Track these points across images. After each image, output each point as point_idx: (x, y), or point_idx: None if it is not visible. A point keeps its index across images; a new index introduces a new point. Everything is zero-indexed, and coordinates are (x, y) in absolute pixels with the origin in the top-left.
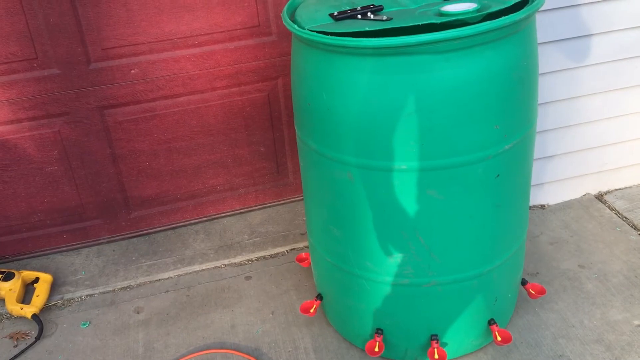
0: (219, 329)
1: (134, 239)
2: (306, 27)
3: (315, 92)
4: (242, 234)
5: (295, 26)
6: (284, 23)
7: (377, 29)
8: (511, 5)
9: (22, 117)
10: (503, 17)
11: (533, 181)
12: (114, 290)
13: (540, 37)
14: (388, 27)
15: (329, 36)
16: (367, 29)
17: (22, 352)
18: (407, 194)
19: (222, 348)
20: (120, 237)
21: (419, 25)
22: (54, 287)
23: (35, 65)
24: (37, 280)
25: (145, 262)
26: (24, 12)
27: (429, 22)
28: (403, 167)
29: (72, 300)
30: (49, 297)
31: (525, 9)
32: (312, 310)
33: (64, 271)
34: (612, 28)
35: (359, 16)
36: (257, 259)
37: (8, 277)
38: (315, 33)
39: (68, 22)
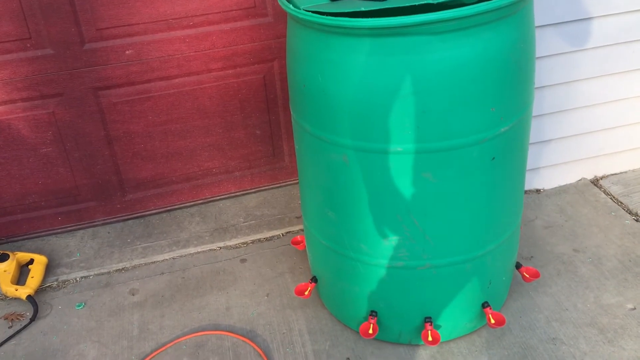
0: (214, 311)
1: (129, 221)
2: (301, 7)
3: (311, 73)
4: (238, 216)
5: (291, 6)
6: (279, 3)
7: (373, 9)
8: None
9: (16, 98)
10: None
11: (529, 165)
12: (109, 272)
13: (539, 20)
14: (384, 7)
15: (324, 16)
16: (363, 9)
17: (17, 333)
18: (402, 176)
19: (216, 330)
20: (115, 219)
21: (415, 5)
22: (48, 269)
23: (28, 45)
24: (31, 261)
25: (140, 244)
26: None
27: (425, 2)
28: (399, 149)
29: (67, 282)
30: (43, 279)
31: None
32: (306, 293)
33: (58, 253)
34: (610, 11)
35: None
36: (253, 241)
37: (2, 258)
38: (310, 13)
39: (62, 2)
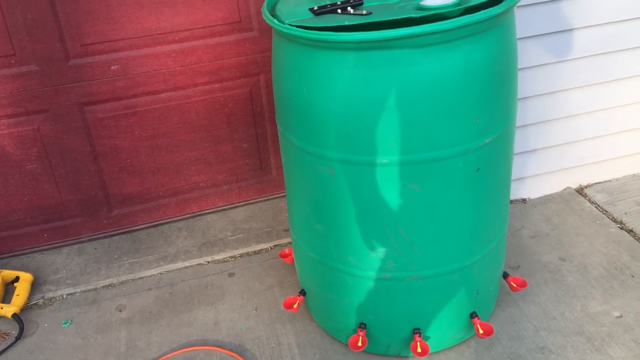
0: (202, 326)
1: (116, 237)
2: (286, 21)
3: (296, 87)
4: (225, 230)
5: (275, 21)
6: (264, 17)
7: (356, 23)
8: None
9: (0, 115)
10: (482, 11)
11: (514, 175)
12: (95, 289)
13: (521, 32)
14: (368, 21)
15: (308, 31)
16: (346, 23)
17: (3, 352)
18: (388, 188)
19: (205, 345)
20: (101, 235)
21: (398, 19)
22: (34, 286)
23: (13, 61)
24: (17, 279)
25: (127, 260)
26: (0, 8)
27: (408, 16)
28: (384, 161)
29: (53, 299)
30: (29, 296)
31: (503, 2)
32: (295, 306)
33: (44, 270)
34: (591, 23)
35: (339, 10)
36: (241, 255)
37: None
38: (295, 27)
39: (46, 18)
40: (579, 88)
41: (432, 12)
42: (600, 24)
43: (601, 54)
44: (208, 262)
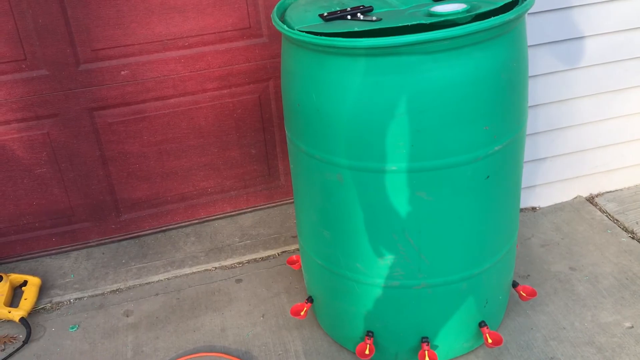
0: (209, 333)
1: (124, 242)
2: (296, 27)
3: (305, 93)
4: (233, 236)
5: (285, 27)
6: (273, 23)
7: (366, 29)
8: (501, 6)
9: (11, 119)
10: (492, 18)
11: (524, 183)
12: (103, 294)
13: (532, 39)
14: (377, 27)
15: (318, 36)
16: (356, 29)
17: (10, 356)
18: (397, 195)
19: (211, 351)
20: (110, 239)
21: (408, 25)
22: (42, 291)
23: (24, 66)
24: (25, 283)
25: (135, 265)
26: (12, 13)
27: (418, 22)
28: (393, 168)
29: (60, 304)
30: (37, 301)
31: (514, 9)
32: (302, 313)
33: (52, 274)
34: (602, 31)
35: (349, 17)
36: (248, 261)
37: None
38: (304, 33)
39: (57, 23)
40: (590, 96)
41: (442, 19)
42: (611, 32)
43: (613, 61)
44: (215, 268)
